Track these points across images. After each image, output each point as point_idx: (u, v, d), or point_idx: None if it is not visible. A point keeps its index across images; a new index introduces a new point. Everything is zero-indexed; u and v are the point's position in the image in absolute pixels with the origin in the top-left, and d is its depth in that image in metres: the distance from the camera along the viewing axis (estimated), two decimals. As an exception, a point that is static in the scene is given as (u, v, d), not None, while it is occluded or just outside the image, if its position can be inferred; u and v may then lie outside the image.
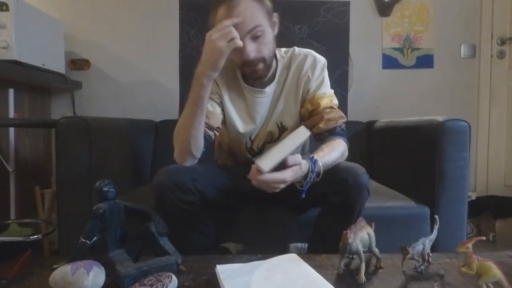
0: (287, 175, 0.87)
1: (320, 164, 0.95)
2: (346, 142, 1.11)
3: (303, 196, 0.94)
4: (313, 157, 0.96)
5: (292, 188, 0.94)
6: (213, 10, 1.04)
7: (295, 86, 1.17)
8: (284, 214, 1.22)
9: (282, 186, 0.89)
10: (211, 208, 1.07)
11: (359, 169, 1.01)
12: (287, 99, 1.18)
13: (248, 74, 1.10)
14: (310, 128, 1.15)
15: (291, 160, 0.87)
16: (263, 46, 1.04)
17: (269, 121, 1.19)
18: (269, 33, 1.06)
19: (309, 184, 0.93)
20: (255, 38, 1.02)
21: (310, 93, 1.15)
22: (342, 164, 1.03)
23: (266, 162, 0.83)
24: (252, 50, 1.01)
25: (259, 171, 0.84)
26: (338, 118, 1.12)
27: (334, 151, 1.04)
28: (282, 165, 0.86)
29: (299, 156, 0.90)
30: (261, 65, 1.06)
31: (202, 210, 1.06)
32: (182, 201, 0.99)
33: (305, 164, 0.92)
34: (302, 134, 0.89)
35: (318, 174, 0.95)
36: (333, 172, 0.99)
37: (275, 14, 1.09)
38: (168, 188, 0.98)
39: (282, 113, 1.19)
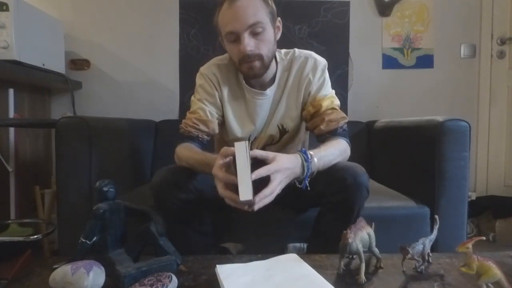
0: (274, 183, 0.85)
1: (315, 159, 0.94)
2: (347, 142, 1.11)
3: (307, 188, 0.93)
4: (302, 149, 0.95)
5: (291, 187, 0.94)
6: (218, 5, 1.05)
7: (296, 89, 1.17)
8: (283, 214, 1.22)
9: (278, 190, 0.86)
10: (210, 207, 1.07)
11: (359, 168, 1.00)
12: (288, 102, 1.18)
13: (245, 72, 1.10)
14: (311, 129, 1.16)
15: (258, 154, 0.87)
16: (262, 44, 1.04)
17: (270, 124, 1.19)
18: (270, 33, 1.06)
19: (307, 175, 0.93)
20: (255, 34, 1.02)
21: (312, 96, 1.15)
22: (341, 163, 1.03)
23: (242, 192, 0.80)
24: (249, 44, 1.01)
25: (248, 202, 0.82)
26: (339, 118, 1.11)
27: (331, 148, 1.04)
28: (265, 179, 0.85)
29: (266, 152, 0.90)
30: (257, 63, 1.05)
31: (201, 209, 1.06)
32: (181, 199, 0.99)
33: (295, 158, 0.92)
34: (240, 147, 0.84)
35: (314, 168, 0.94)
36: (332, 171, 0.99)
37: (278, 19, 1.10)
38: (167, 186, 0.99)
39: (283, 116, 1.18)
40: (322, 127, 1.10)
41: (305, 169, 0.92)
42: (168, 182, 0.99)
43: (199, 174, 1.03)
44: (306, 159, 0.92)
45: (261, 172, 0.84)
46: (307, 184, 0.94)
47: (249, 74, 1.09)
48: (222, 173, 0.85)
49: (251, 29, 1.01)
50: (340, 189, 0.98)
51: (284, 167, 0.87)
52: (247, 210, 0.84)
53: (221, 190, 0.85)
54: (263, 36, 1.04)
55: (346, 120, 1.13)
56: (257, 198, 0.82)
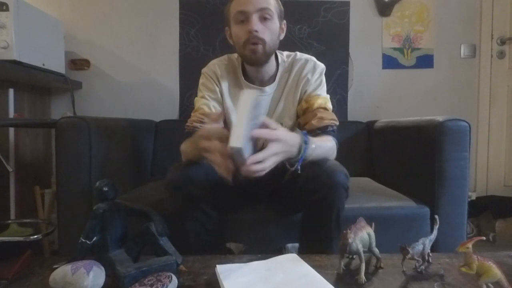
0: (269, 151, 0.82)
1: (313, 145, 0.94)
2: (336, 143, 1.11)
3: (299, 170, 0.92)
4: (303, 131, 0.96)
5: (291, 186, 0.94)
6: None
7: (295, 88, 1.21)
8: (282, 214, 1.22)
9: (272, 161, 0.83)
10: (219, 205, 1.07)
11: (337, 167, 1.00)
12: (287, 101, 1.21)
13: (247, 55, 1.11)
14: (302, 124, 1.17)
15: (266, 123, 0.86)
16: (267, 31, 1.09)
17: None
18: (276, 25, 1.12)
19: (302, 158, 0.91)
20: (263, 19, 1.08)
21: (307, 94, 1.19)
22: (320, 162, 1.01)
23: (233, 139, 0.75)
24: (257, 25, 1.07)
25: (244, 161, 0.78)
26: (330, 119, 1.13)
27: (323, 142, 1.05)
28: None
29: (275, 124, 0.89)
30: (260, 47, 1.09)
31: (212, 207, 1.06)
32: (196, 196, 1.00)
33: (296, 136, 0.91)
34: (245, 95, 0.80)
35: (309, 152, 0.93)
36: (311, 169, 0.98)
37: (284, 21, 1.17)
38: (182, 183, 0.99)
39: (282, 114, 1.21)
40: (314, 122, 1.12)
41: (302, 151, 0.91)
42: (183, 179, 0.99)
43: (212, 170, 1.02)
44: (306, 141, 0.92)
45: (262, 132, 0.82)
46: (299, 167, 0.92)
47: (251, 58, 1.12)
48: (213, 126, 0.86)
49: (261, 13, 1.07)
50: (317, 189, 0.97)
51: (284, 138, 0.86)
52: (238, 173, 0.79)
53: (206, 143, 0.83)
54: (270, 24, 1.09)
55: (336, 123, 1.14)
56: (249, 160, 0.78)
